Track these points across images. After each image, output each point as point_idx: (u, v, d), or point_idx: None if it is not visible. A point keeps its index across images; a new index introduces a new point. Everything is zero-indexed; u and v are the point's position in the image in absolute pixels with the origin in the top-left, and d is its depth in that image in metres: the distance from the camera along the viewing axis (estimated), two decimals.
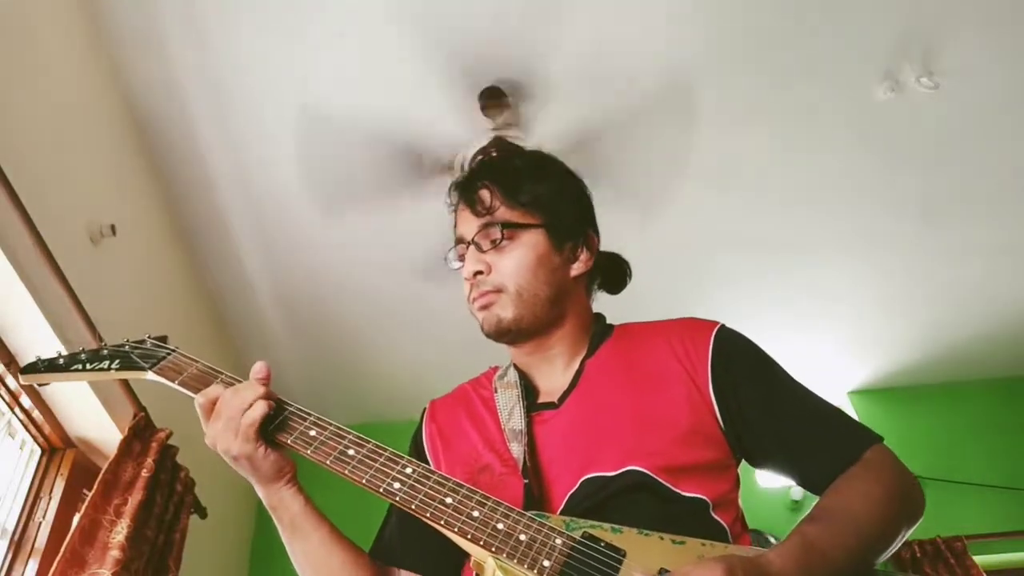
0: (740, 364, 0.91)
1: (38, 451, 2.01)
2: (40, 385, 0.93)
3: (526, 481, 0.85)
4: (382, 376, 3.52)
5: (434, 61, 2.24)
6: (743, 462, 0.93)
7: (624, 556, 0.72)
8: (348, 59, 2.25)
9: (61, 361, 0.96)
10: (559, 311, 0.99)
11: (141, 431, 2.07)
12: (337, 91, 2.33)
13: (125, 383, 2.02)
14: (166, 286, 2.58)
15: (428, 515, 0.76)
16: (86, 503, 1.81)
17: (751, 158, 2.67)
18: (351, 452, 0.81)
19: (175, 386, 0.91)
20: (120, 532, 1.80)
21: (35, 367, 0.96)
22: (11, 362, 1.80)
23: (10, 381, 1.82)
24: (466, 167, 2.41)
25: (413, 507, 0.76)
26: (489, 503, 0.76)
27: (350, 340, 3.30)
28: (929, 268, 3.21)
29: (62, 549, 1.69)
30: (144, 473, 1.96)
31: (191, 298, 2.81)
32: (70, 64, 2.00)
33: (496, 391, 1.00)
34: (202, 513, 2.38)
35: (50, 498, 1.95)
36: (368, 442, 0.82)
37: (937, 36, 2.31)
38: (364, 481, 0.78)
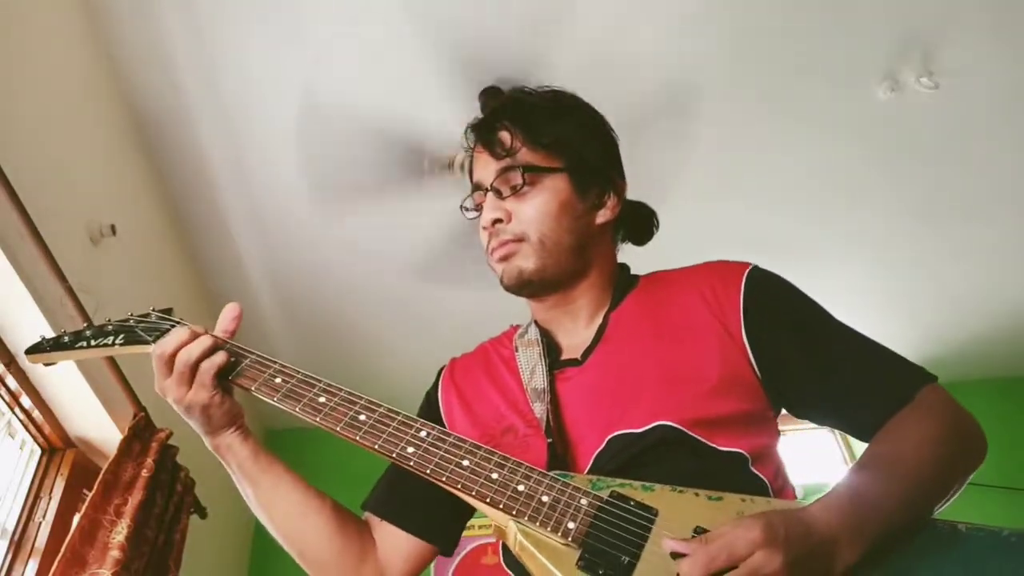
0: (774, 307, 0.85)
1: (38, 451, 2.02)
2: (47, 364, 0.94)
3: (550, 440, 0.80)
4: (382, 376, 3.51)
5: (435, 61, 2.24)
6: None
7: (656, 515, 0.67)
8: (348, 59, 2.25)
9: (66, 339, 0.94)
10: (584, 261, 0.93)
11: (141, 431, 2.07)
12: (337, 91, 2.33)
13: (125, 383, 2.02)
14: (166, 286, 2.58)
15: (444, 479, 0.72)
16: (86, 503, 1.81)
17: (751, 158, 2.67)
18: (362, 417, 0.77)
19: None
20: (120, 532, 1.80)
21: (40, 347, 0.94)
22: (11, 362, 1.80)
23: (10, 381, 1.82)
24: (466, 167, 2.41)
25: (428, 472, 0.72)
26: (509, 464, 0.72)
27: (350, 340, 3.30)
28: (929, 268, 3.21)
29: (62, 549, 1.70)
30: (144, 473, 1.96)
31: (191, 298, 2.81)
32: (70, 64, 2.00)
33: (517, 349, 0.95)
34: (202, 513, 2.38)
35: (50, 498, 1.95)
36: (379, 406, 0.79)
37: (937, 36, 2.31)
38: (376, 447, 0.75)
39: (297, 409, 0.78)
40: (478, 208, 0.95)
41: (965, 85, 2.43)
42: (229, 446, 0.85)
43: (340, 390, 0.80)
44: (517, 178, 0.90)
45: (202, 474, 2.37)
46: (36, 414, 1.93)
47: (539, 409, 0.84)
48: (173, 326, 0.93)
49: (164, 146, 2.41)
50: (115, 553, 1.76)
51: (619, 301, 0.93)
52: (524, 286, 0.91)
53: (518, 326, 1.01)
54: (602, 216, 0.95)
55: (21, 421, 1.92)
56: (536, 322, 0.97)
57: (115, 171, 2.23)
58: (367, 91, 2.33)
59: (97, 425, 2.02)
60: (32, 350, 0.94)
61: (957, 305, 3.43)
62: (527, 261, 0.89)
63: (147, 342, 0.90)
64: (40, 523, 1.89)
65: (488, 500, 0.69)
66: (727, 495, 0.71)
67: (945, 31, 2.30)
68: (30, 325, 1.72)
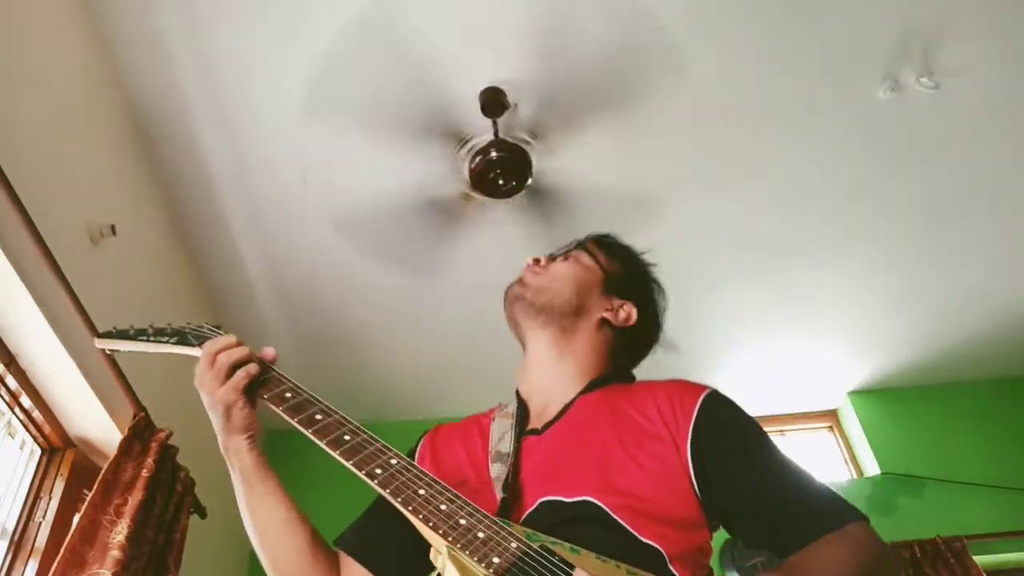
0: (723, 430, 0.90)
1: (38, 451, 2.02)
2: (111, 351, 1.10)
3: (503, 496, 0.88)
4: (382, 376, 3.52)
5: (434, 59, 2.24)
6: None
7: (573, 572, 0.72)
8: (348, 58, 2.24)
9: (131, 332, 1.08)
10: (572, 323, 1.07)
11: (141, 431, 2.07)
12: (337, 90, 2.33)
13: (125, 383, 2.02)
14: (166, 286, 2.58)
15: (400, 499, 0.79)
16: (86, 503, 1.81)
17: (751, 158, 2.67)
18: (346, 438, 0.86)
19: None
20: (120, 532, 1.80)
21: (109, 333, 1.07)
22: (11, 362, 1.80)
23: (10, 381, 1.83)
24: (466, 171, 2.42)
25: (388, 491, 0.79)
26: (458, 501, 0.79)
27: (349, 339, 3.30)
28: (929, 268, 3.21)
29: (62, 549, 1.70)
30: (144, 473, 1.96)
31: (191, 298, 2.81)
32: (70, 65, 2.00)
33: (494, 420, 1.05)
34: (202, 513, 2.38)
35: (50, 498, 1.95)
36: (363, 433, 0.87)
37: (937, 36, 2.31)
38: (351, 463, 0.83)
39: (295, 420, 0.88)
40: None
41: (965, 85, 2.44)
42: (238, 449, 0.95)
43: (335, 413, 0.89)
44: (569, 248, 1.18)
45: (202, 474, 2.37)
46: (36, 414, 1.93)
47: (496, 469, 0.94)
48: (221, 334, 1.04)
49: (164, 146, 2.41)
50: (115, 553, 1.76)
51: (591, 389, 1.03)
52: (515, 298, 1.10)
53: (503, 405, 1.10)
54: (608, 313, 1.10)
55: (21, 421, 1.92)
56: (518, 392, 1.08)
57: (115, 171, 2.23)
58: (368, 91, 2.33)
59: (97, 425, 2.02)
60: (101, 335, 1.06)
61: (957, 305, 3.43)
62: (532, 281, 1.11)
63: (194, 345, 1.01)
64: (40, 523, 1.89)
65: (431, 524, 0.76)
66: (645, 575, 0.75)
67: (945, 31, 2.30)
68: (30, 325, 1.72)
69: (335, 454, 0.84)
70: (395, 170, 2.50)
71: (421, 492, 0.79)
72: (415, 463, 0.84)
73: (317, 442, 0.85)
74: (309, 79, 2.28)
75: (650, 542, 0.81)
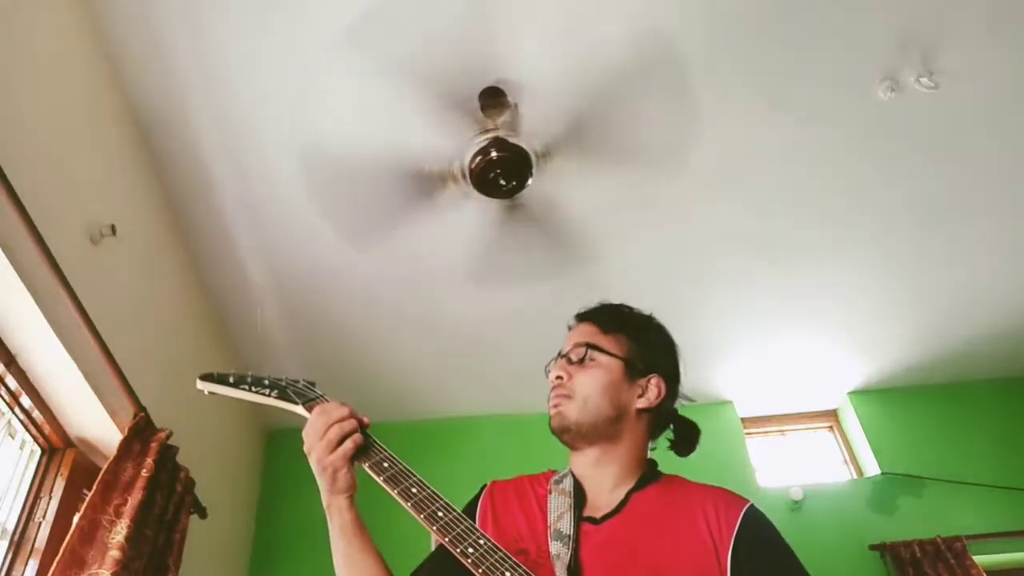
0: (761, 544, 1.01)
1: (38, 451, 2.02)
2: (209, 392, 1.14)
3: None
4: (382, 376, 3.52)
5: (422, 69, 2.24)
6: None
7: None
8: (347, 58, 2.24)
9: (231, 379, 1.13)
10: (616, 430, 1.13)
11: (141, 431, 2.07)
12: (336, 88, 2.33)
13: (125, 383, 2.03)
14: (166, 286, 2.59)
15: (459, 550, 0.89)
16: (86, 503, 1.82)
17: (751, 158, 2.67)
18: (440, 515, 0.94)
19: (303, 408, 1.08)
20: (120, 532, 1.80)
21: (210, 376, 1.14)
22: (11, 362, 1.80)
23: (10, 381, 1.83)
24: (466, 171, 2.41)
25: (480, 571, 0.87)
26: (510, 562, 0.87)
27: (350, 340, 3.30)
28: (929, 268, 3.21)
29: (62, 549, 1.70)
30: (144, 473, 1.96)
31: (191, 298, 2.81)
32: (70, 65, 2.00)
33: (551, 492, 1.12)
34: (202, 513, 2.38)
35: (50, 498, 1.95)
36: (453, 510, 0.96)
37: (937, 36, 2.31)
38: (447, 539, 0.91)
39: (395, 492, 0.97)
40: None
41: (965, 85, 2.44)
42: (340, 508, 1.03)
43: (427, 487, 0.98)
44: (582, 352, 1.16)
45: (202, 474, 2.37)
46: (36, 414, 1.93)
47: (556, 547, 1.01)
48: (318, 396, 1.14)
49: (164, 146, 2.41)
50: (115, 553, 1.76)
51: (642, 486, 1.10)
52: (563, 431, 1.13)
53: (555, 472, 1.18)
54: (641, 402, 1.15)
55: (21, 421, 1.92)
56: (573, 473, 1.15)
57: (115, 171, 2.23)
58: (367, 91, 2.33)
59: (97, 425, 2.02)
60: (203, 377, 1.14)
61: (957, 305, 3.43)
62: (570, 413, 1.12)
63: (296, 402, 1.10)
64: (40, 523, 1.89)
65: (481, 571, 0.85)
66: None
67: (945, 31, 2.30)
68: (30, 325, 1.72)
69: (432, 529, 0.92)
70: (399, 134, 2.44)
71: (481, 542, 0.89)
72: (495, 543, 0.91)
73: (415, 516, 0.94)
74: (309, 79, 2.28)
75: None
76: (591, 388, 1.13)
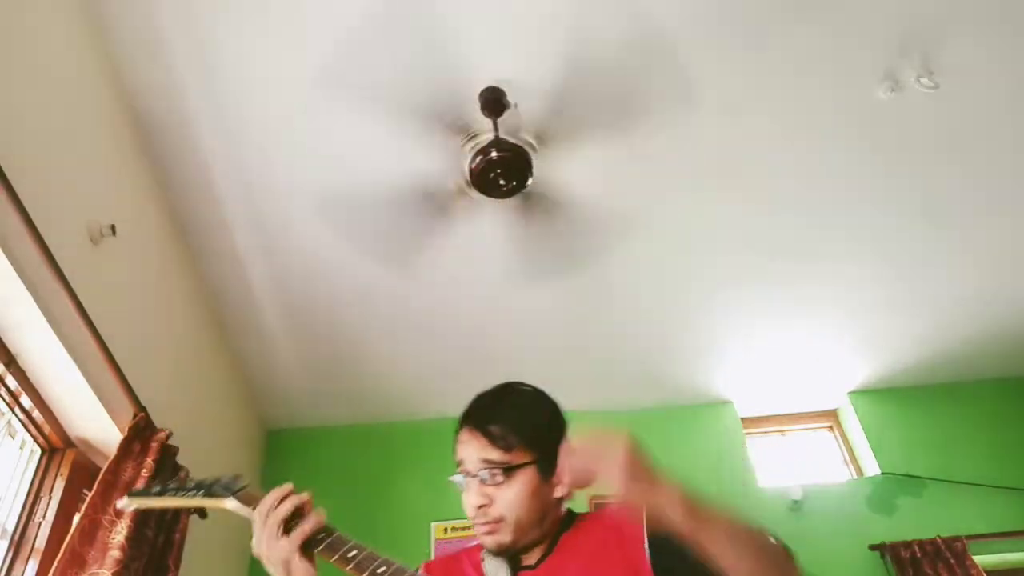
0: (672, 542, 0.99)
1: (38, 451, 2.02)
2: (138, 508, 1.21)
3: None
4: (381, 376, 3.52)
5: (431, 64, 2.24)
6: None
7: None
8: (348, 59, 2.24)
9: (155, 490, 1.15)
10: (547, 524, 1.14)
11: (141, 431, 2.07)
12: (337, 90, 2.33)
13: (125, 383, 2.03)
14: (166, 286, 2.59)
15: None
16: (86, 503, 1.82)
17: (751, 158, 2.67)
18: (380, 570, 0.92)
19: (253, 513, 1.02)
20: (120, 532, 1.80)
21: (136, 493, 1.18)
22: (11, 362, 1.80)
23: (10, 381, 1.83)
24: (466, 172, 2.42)
25: None
26: None
27: (350, 340, 3.30)
28: (929, 268, 3.21)
29: (63, 549, 1.70)
30: (144, 473, 1.96)
31: (191, 298, 2.81)
32: (70, 64, 2.00)
33: (484, 560, 1.15)
34: (202, 513, 2.38)
35: (50, 498, 1.95)
36: (394, 562, 0.94)
37: (937, 36, 2.31)
38: None
39: (334, 560, 0.94)
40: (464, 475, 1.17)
41: (965, 85, 2.44)
42: None
43: (364, 548, 0.95)
44: (499, 476, 1.12)
45: (202, 474, 2.37)
46: (36, 414, 1.93)
47: None
48: (243, 487, 1.09)
49: (164, 146, 2.41)
50: (115, 553, 1.76)
51: (568, 526, 1.16)
52: (503, 552, 1.13)
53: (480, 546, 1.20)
54: (559, 491, 1.15)
55: (21, 421, 1.92)
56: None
57: (115, 171, 2.23)
58: (366, 90, 2.33)
59: (97, 425, 2.02)
60: (130, 495, 1.16)
61: (957, 305, 3.43)
62: (505, 536, 1.11)
63: (223, 496, 1.07)
64: (40, 523, 1.89)
65: None
66: None
67: (945, 31, 2.30)
68: (30, 325, 1.72)
69: None
70: (395, 160, 2.49)
71: None
72: None
73: None
74: (309, 78, 2.28)
75: None
76: (518, 506, 1.11)
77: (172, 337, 2.58)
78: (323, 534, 0.97)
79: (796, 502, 3.45)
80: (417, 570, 0.92)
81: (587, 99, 2.38)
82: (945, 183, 2.81)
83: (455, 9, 2.14)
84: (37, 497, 1.94)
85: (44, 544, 1.85)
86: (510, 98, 2.33)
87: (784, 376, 3.83)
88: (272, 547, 0.95)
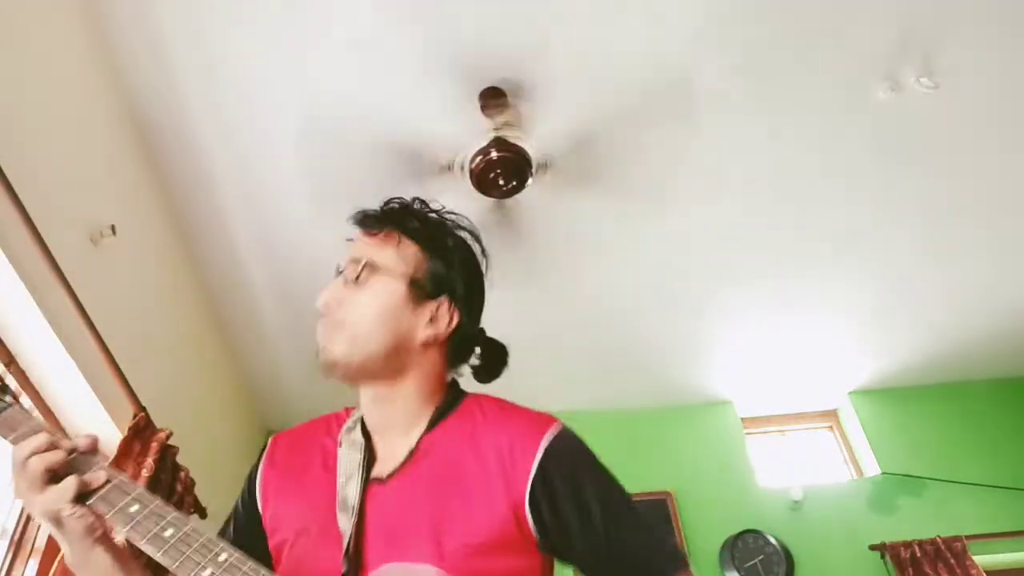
0: (563, 479, 0.87)
1: None
2: None
3: (344, 569, 0.83)
4: None
5: (432, 63, 2.24)
6: None
7: None
8: (347, 61, 2.25)
9: None
10: (397, 365, 0.94)
11: (141, 431, 2.07)
12: (336, 90, 2.33)
13: (125, 383, 2.02)
14: (166, 286, 2.59)
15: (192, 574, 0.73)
16: None
17: (751, 158, 2.67)
18: (167, 533, 0.79)
19: (8, 442, 0.87)
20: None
21: None
22: (11, 362, 1.80)
23: (10, 381, 1.82)
24: (465, 168, 2.41)
25: (176, 564, 0.75)
26: (261, 572, 0.74)
27: None
28: (929, 268, 3.21)
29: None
30: (144, 473, 1.96)
31: (191, 298, 2.81)
32: (70, 65, 2.00)
33: (340, 445, 0.96)
34: (202, 513, 2.38)
35: None
36: (187, 523, 0.80)
37: (937, 36, 2.31)
38: (174, 566, 0.76)
39: (108, 516, 0.80)
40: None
41: (965, 85, 2.44)
42: (88, 559, 0.83)
43: (152, 500, 0.82)
44: (362, 274, 0.95)
45: (202, 474, 2.37)
46: (36, 414, 1.92)
47: (342, 521, 0.86)
48: (5, 408, 0.93)
49: (164, 146, 2.41)
50: None
51: (434, 424, 0.94)
52: (329, 370, 0.94)
53: (351, 410, 1.02)
54: (425, 333, 0.95)
55: None
56: (363, 421, 0.98)
57: (115, 171, 2.23)
58: (366, 92, 2.33)
59: (97, 425, 2.02)
60: None
61: (957, 305, 3.43)
62: (337, 347, 0.94)
63: None
64: (40, 523, 1.89)
65: None
66: None
67: (945, 31, 2.30)
68: (30, 325, 1.72)
69: (157, 555, 0.77)
70: (391, 167, 2.48)
71: None
72: (245, 557, 0.77)
73: (133, 540, 0.79)
74: (309, 78, 2.28)
75: None
76: (363, 316, 0.93)
77: (172, 337, 2.58)
78: (104, 484, 0.82)
79: (796, 502, 3.45)
80: (208, 539, 0.78)
81: (589, 102, 2.38)
82: (945, 183, 2.81)
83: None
84: None
85: (44, 544, 1.85)
86: (527, 98, 2.31)
87: (784, 376, 3.83)
88: (33, 499, 0.80)
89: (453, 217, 1.04)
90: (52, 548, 1.82)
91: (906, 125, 2.58)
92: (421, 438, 0.92)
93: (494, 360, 1.05)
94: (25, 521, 1.88)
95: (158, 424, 2.16)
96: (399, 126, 2.39)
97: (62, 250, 1.75)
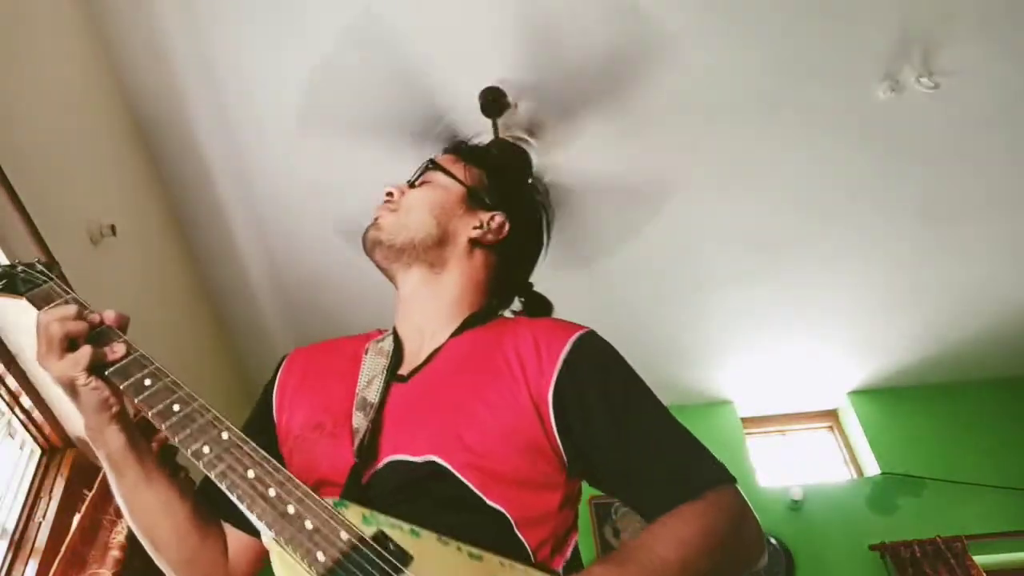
0: (591, 377, 0.83)
1: (38, 451, 2.01)
2: None
3: (355, 460, 0.81)
4: None
5: (433, 62, 2.24)
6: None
7: (411, 562, 0.66)
8: (348, 60, 2.24)
9: None
10: (439, 256, 0.98)
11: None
12: (336, 90, 2.33)
13: None
14: (166, 286, 2.58)
15: (225, 484, 0.73)
16: (86, 503, 1.81)
17: (751, 158, 2.67)
18: (175, 408, 0.80)
19: (35, 309, 0.91)
20: (121, 532, 1.80)
21: None
22: (11, 362, 1.80)
23: (10, 381, 1.83)
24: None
25: (214, 473, 0.74)
26: (289, 485, 0.71)
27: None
28: (929, 268, 3.21)
29: (63, 549, 1.70)
30: None
31: (191, 298, 2.81)
32: (71, 65, 2.00)
33: (367, 352, 0.95)
34: None
35: (50, 498, 1.95)
36: (195, 400, 0.82)
37: (937, 36, 2.31)
38: (177, 439, 0.77)
39: (122, 386, 0.82)
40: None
41: (965, 85, 2.44)
42: (101, 432, 0.86)
43: (166, 375, 0.84)
44: (426, 175, 1.02)
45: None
46: (36, 414, 1.92)
47: (358, 419, 0.85)
48: (45, 282, 0.97)
49: (164, 146, 2.42)
50: (115, 553, 1.76)
51: (463, 330, 0.94)
52: (375, 247, 1.00)
53: (383, 331, 1.02)
54: (476, 232, 1.00)
55: (21, 421, 1.92)
56: (395, 331, 0.99)
57: (115, 171, 2.23)
58: (367, 92, 2.33)
59: None
60: None
61: (957, 305, 3.43)
62: (387, 225, 0.99)
63: (20, 293, 0.96)
64: (40, 523, 1.89)
65: (256, 513, 0.70)
66: (487, 555, 0.70)
67: (945, 31, 2.30)
68: (30, 325, 1.72)
69: (162, 427, 0.78)
70: (390, 169, 2.49)
71: (250, 475, 0.72)
72: (246, 437, 0.77)
73: (142, 410, 0.80)
74: (308, 78, 2.28)
75: (495, 505, 0.76)
76: (418, 204, 0.99)
77: (172, 337, 2.58)
78: (124, 357, 0.84)
79: (796, 502, 3.45)
80: (215, 417, 0.80)
81: (588, 101, 2.38)
82: (945, 183, 2.81)
83: (422, 21, 2.13)
84: (37, 497, 1.94)
85: (44, 544, 1.85)
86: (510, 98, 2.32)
87: (784, 376, 3.83)
88: (49, 364, 0.83)
89: (507, 152, 1.14)
90: (52, 548, 1.82)
91: (906, 125, 2.58)
92: (448, 340, 0.92)
93: (536, 312, 1.07)
94: (25, 521, 1.88)
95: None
96: (400, 125, 2.39)
97: (62, 250, 1.75)
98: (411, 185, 1.03)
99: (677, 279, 3.16)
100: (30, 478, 1.96)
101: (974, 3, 2.23)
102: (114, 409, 0.85)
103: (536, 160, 2.42)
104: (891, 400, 3.92)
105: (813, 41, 2.31)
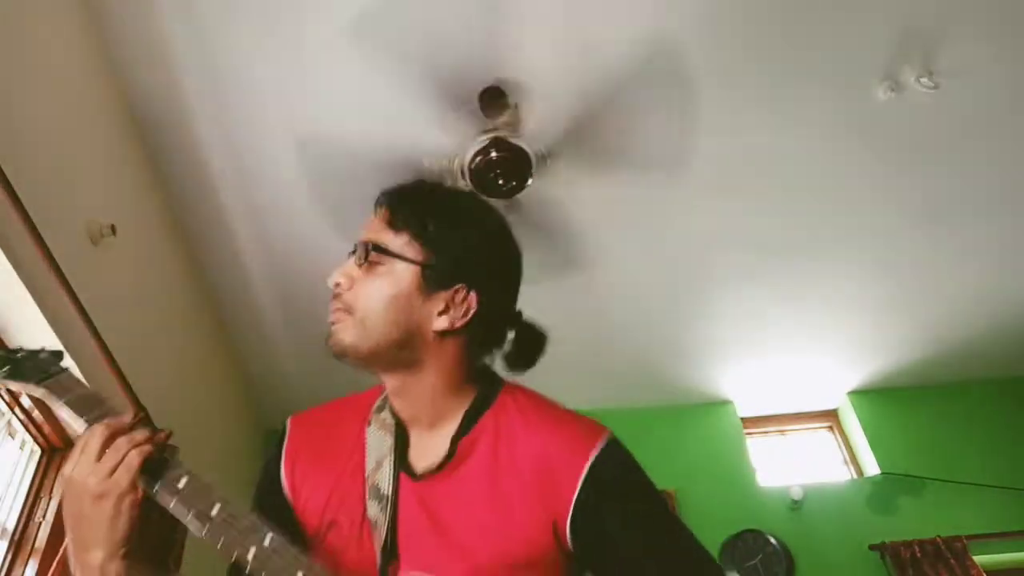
0: (611, 506, 0.82)
1: (38, 451, 2.01)
2: None
3: (380, 563, 0.81)
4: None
5: (432, 63, 2.24)
6: None
7: None
8: (348, 60, 2.24)
9: None
10: (410, 357, 0.88)
11: None
12: (336, 90, 2.33)
13: (125, 383, 2.02)
14: (166, 286, 2.58)
15: (235, 555, 0.72)
16: None
17: (751, 158, 2.67)
18: (214, 512, 0.78)
19: (61, 404, 0.87)
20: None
21: None
22: None
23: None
24: (465, 171, 2.41)
25: (221, 543, 0.74)
26: (301, 561, 0.72)
27: None
28: (929, 268, 3.21)
29: (62, 549, 1.69)
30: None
31: (191, 298, 2.81)
32: (71, 65, 2.00)
33: (370, 424, 0.92)
34: None
35: (50, 498, 1.95)
36: (232, 503, 0.80)
37: (937, 36, 2.32)
38: (219, 545, 0.75)
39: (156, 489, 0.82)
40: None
41: (965, 85, 2.44)
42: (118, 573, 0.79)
43: (201, 479, 0.83)
44: (373, 256, 0.88)
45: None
46: (36, 414, 1.93)
47: (373, 510, 0.84)
48: (61, 372, 0.92)
49: (164, 146, 2.42)
50: None
51: (470, 426, 0.88)
52: (339, 357, 0.90)
53: (382, 388, 0.96)
54: (440, 323, 0.87)
55: (21, 421, 1.92)
56: (392, 408, 0.93)
57: (115, 171, 2.23)
58: (366, 93, 2.33)
59: None
60: None
61: (957, 305, 3.43)
62: (346, 334, 0.88)
63: (30, 380, 0.88)
64: (40, 523, 1.89)
65: None
66: None
67: (945, 31, 2.30)
68: (30, 325, 1.72)
69: (202, 534, 0.77)
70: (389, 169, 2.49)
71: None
72: (288, 543, 0.75)
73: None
74: (309, 77, 2.28)
75: None
76: (371, 303, 0.86)
77: (172, 337, 2.58)
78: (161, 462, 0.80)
79: (796, 502, 3.45)
80: (256, 520, 0.77)
81: (588, 101, 2.38)
82: (945, 183, 2.81)
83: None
84: (37, 497, 1.94)
85: (44, 544, 1.85)
86: (518, 98, 2.31)
87: (784, 376, 3.83)
88: (105, 474, 0.78)
89: (472, 197, 1.00)
90: (52, 548, 1.82)
91: (906, 125, 2.58)
92: (458, 441, 0.87)
93: (528, 347, 0.96)
94: (25, 521, 1.88)
95: (158, 424, 2.15)
96: (400, 126, 2.39)
97: (62, 250, 1.75)
98: (358, 263, 0.90)
99: (677, 279, 3.16)
100: (30, 478, 1.96)
101: (974, 3, 2.23)
102: (131, 542, 0.82)
103: (535, 163, 2.42)
104: (891, 400, 3.92)
105: (813, 41, 2.32)
